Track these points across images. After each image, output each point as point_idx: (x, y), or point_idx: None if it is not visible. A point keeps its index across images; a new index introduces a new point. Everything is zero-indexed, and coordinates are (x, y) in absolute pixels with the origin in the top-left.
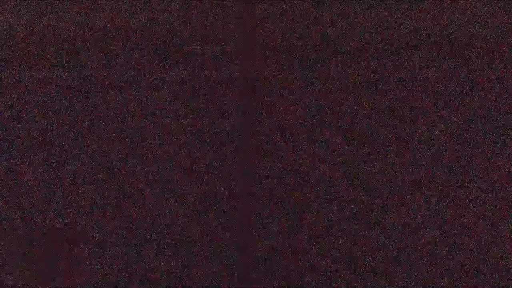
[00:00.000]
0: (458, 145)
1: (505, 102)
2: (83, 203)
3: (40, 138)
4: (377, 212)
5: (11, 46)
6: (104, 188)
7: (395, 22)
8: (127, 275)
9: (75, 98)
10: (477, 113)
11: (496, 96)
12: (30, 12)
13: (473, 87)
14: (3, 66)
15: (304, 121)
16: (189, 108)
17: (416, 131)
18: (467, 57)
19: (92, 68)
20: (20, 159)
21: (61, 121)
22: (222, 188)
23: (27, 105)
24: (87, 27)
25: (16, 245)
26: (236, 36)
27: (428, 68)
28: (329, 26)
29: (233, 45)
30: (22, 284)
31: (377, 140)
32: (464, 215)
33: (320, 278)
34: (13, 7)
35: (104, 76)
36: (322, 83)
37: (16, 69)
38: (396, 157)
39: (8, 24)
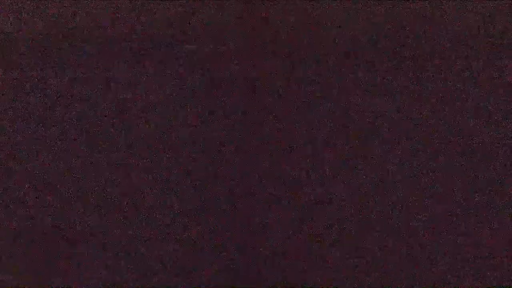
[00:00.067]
0: (459, 146)
1: (505, 102)
2: (83, 203)
3: (40, 138)
4: (377, 212)
5: (11, 46)
6: (104, 188)
7: (397, 22)
8: (127, 275)
9: (75, 98)
10: (477, 112)
11: (496, 96)
12: (30, 12)
13: (473, 87)
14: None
15: (305, 121)
16: (188, 108)
17: (415, 131)
18: (467, 56)
19: (92, 68)
20: (20, 159)
21: (60, 121)
22: (222, 188)
23: (27, 104)
24: (87, 27)
25: (16, 245)
26: (236, 36)
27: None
28: (330, 26)
29: (233, 45)
30: (22, 284)
31: (378, 140)
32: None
33: (321, 278)
34: (13, 7)
35: (104, 76)
36: (322, 83)
37: (16, 68)
38: (397, 157)
39: (8, 24)
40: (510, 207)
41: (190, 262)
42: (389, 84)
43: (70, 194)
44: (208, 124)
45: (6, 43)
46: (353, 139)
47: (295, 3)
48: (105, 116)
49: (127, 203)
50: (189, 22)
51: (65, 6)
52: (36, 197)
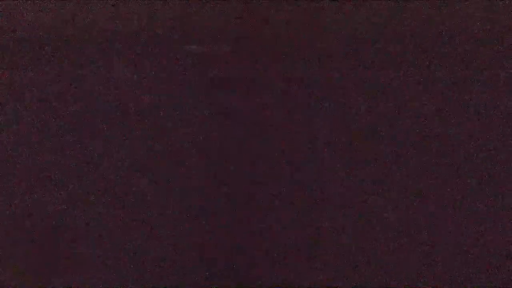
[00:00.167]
0: (460, 145)
1: (505, 102)
2: (83, 203)
3: (39, 138)
4: (377, 212)
5: (11, 46)
6: (104, 188)
7: (397, 22)
8: (127, 275)
9: (75, 98)
10: (479, 112)
11: (497, 96)
12: (30, 11)
13: (474, 87)
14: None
15: (305, 121)
16: (188, 108)
17: (416, 131)
18: (467, 56)
19: (91, 68)
20: (20, 159)
21: (60, 121)
22: (222, 188)
23: (27, 104)
24: (86, 27)
25: (16, 245)
26: (236, 36)
27: (429, 67)
28: (330, 26)
29: (233, 45)
30: (22, 284)
31: (378, 140)
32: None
33: (321, 278)
34: (13, 7)
35: (104, 76)
36: (322, 83)
37: (16, 68)
38: (397, 157)
39: (8, 24)
40: (510, 207)
41: (190, 262)
42: (389, 84)
43: (70, 194)
44: (208, 124)
45: (5, 43)
46: (353, 139)
47: (295, 3)
48: (105, 116)
49: (127, 203)
50: (189, 22)
51: (65, 6)
52: (36, 197)
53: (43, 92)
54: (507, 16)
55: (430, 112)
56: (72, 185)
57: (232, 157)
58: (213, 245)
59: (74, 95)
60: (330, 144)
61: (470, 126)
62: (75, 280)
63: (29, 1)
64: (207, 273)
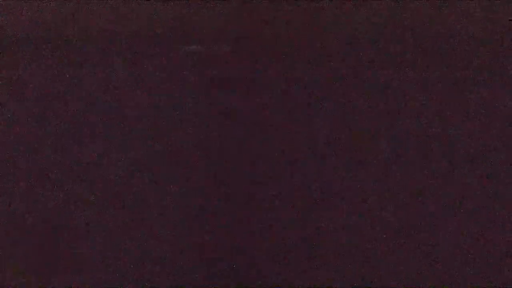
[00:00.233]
0: (460, 145)
1: (504, 102)
2: (83, 203)
3: (38, 138)
4: (378, 212)
5: (11, 46)
6: (104, 188)
7: (397, 22)
8: (127, 275)
9: (74, 98)
10: (479, 112)
11: (496, 96)
12: (30, 11)
13: (474, 87)
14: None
15: (305, 121)
16: (188, 108)
17: (416, 131)
18: (467, 56)
19: (91, 68)
20: (20, 158)
21: (59, 121)
22: (222, 188)
23: (26, 104)
24: (86, 27)
25: (16, 245)
26: (236, 36)
27: (428, 67)
28: (330, 26)
29: (233, 45)
30: (22, 284)
31: (378, 140)
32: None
33: (321, 278)
34: (13, 7)
35: (103, 76)
36: (322, 83)
37: (15, 68)
38: (397, 157)
39: (8, 24)
40: (510, 207)
41: (190, 262)
42: (389, 84)
43: (70, 194)
44: (208, 124)
45: (5, 43)
46: (353, 139)
47: (295, 3)
48: (105, 116)
49: (127, 203)
50: (189, 22)
51: (65, 6)
52: (36, 197)
53: (43, 92)
54: (507, 16)
55: (430, 112)
56: (72, 185)
57: (232, 157)
58: (213, 245)
59: (74, 95)
60: (330, 144)
61: (470, 126)
62: (75, 280)
63: (29, 1)
64: (207, 273)
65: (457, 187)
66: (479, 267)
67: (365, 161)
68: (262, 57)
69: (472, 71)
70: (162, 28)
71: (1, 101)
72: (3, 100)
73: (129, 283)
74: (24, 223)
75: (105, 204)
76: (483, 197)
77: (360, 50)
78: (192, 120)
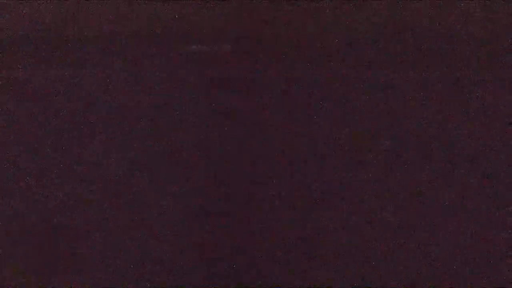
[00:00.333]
0: (460, 145)
1: (504, 102)
2: (84, 203)
3: (38, 138)
4: (378, 212)
5: (11, 45)
6: (104, 188)
7: (397, 22)
8: (127, 275)
9: (74, 98)
10: (479, 112)
11: (496, 96)
12: (30, 11)
13: (474, 87)
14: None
15: (305, 121)
16: (188, 108)
17: (416, 131)
18: (467, 56)
19: (91, 68)
20: (20, 158)
21: (59, 121)
22: (222, 188)
23: (26, 104)
24: (86, 27)
25: (16, 245)
26: (236, 36)
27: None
28: (330, 26)
29: (233, 45)
30: (22, 284)
31: (379, 140)
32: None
33: (321, 278)
34: (13, 7)
35: (103, 76)
36: (322, 83)
37: (15, 68)
38: (398, 156)
39: (8, 24)
40: (510, 207)
41: (190, 262)
42: (389, 84)
43: (70, 194)
44: (208, 124)
45: (5, 43)
46: (354, 139)
47: (295, 3)
48: (105, 116)
49: (127, 203)
50: (189, 22)
51: (65, 6)
52: (36, 197)
53: (43, 92)
54: (507, 16)
55: (430, 112)
56: (72, 185)
57: (232, 157)
58: (213, 245)
59: (74, 95)
60: (330, 144)
61: (470, 126)
62: (75, 280)
63: (29, 1)
64: (207, 273)
65: (457, 187)
66: (479, 267)
67: (365, 161)
68: (262, 57)
69: (472, 71)
70: (162, 28)
71: (1, 101)
72: (3, 100)
73: (129, 283)
74: (24, 223)
75: (105, 204)
76: (483, 197)
77: (360, 50)
78: (192, 120)
